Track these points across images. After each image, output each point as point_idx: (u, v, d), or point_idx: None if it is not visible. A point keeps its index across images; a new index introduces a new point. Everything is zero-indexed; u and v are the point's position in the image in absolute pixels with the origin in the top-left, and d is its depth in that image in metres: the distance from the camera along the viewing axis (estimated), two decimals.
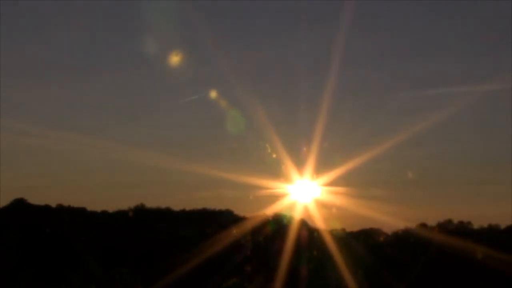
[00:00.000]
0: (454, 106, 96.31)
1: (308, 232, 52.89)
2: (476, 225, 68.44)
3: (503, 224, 67.46)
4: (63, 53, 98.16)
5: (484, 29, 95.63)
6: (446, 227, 68.47)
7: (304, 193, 59.71)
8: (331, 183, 59.58)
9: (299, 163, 62.39)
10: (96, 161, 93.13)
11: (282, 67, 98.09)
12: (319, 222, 54.10)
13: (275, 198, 73.50)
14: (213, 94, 62.55)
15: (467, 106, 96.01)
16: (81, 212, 67.21)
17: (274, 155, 63.83)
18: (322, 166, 61.73)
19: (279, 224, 54.05)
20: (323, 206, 60.48)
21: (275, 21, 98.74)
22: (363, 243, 57.82)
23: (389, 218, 76.23)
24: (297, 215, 55.33)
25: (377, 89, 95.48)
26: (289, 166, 59.93)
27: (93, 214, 67.75)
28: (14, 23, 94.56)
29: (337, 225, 55.13)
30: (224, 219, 64.66)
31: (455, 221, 69.01)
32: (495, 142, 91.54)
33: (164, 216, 67.32)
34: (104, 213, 68.89)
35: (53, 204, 68.47)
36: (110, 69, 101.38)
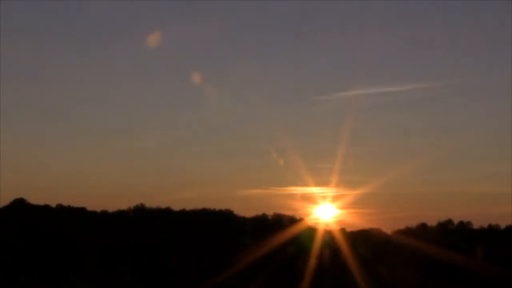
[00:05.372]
0: (454, 103, 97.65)
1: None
2: (476, 225, 68.37)
3: (503, 224, 67.45)
4: (62, 55, 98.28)
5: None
6: (446, 227, 68.36)
7: (325, 214, 60.29)
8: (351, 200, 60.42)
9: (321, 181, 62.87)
10: (97, 161, 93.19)
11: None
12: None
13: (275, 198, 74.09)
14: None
15: (467, 103, 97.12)
16: (81, 212, 67.10)
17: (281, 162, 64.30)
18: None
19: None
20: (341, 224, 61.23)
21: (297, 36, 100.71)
22: (362, 243, 57.89)
23: (389, 218, 76.61)
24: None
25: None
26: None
27: (93, 214, 67.62)
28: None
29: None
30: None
31: (455, 221, 68.93)
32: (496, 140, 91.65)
33: (164, 216, 67.22)
34: (104, 213, 68.78)
35: (53, 204, 68.51)
36: (109, 72, 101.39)
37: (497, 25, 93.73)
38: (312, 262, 50.62)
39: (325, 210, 60.84)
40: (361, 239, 59.83)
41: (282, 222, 66.31)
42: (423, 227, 67.82)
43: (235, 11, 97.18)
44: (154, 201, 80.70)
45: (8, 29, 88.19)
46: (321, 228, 58.95)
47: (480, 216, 78.13)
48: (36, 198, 68.81)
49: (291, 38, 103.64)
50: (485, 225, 67.42)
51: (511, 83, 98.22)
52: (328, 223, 60.64)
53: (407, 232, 64.98)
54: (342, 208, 62.01)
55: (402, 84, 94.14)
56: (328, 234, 57.37)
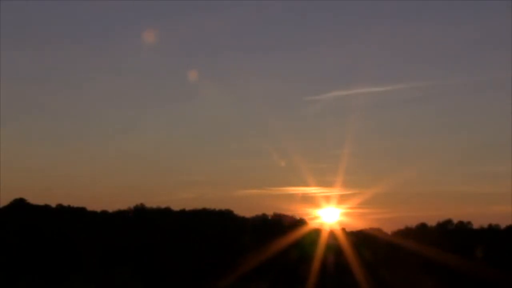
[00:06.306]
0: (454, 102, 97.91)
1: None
2: (476, 225, 68.39)
3: (503, 224, 67.47)
4: (62, 56, 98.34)
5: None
6: (445, 227, 68.36)
7: (325, 214, 60.35)
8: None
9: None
10: (97, 161, 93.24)
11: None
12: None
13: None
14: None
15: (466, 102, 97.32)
16: (81, 212, 67.07)
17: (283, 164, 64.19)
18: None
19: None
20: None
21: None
22: (363, 243, 57.87)
23: (389, 218, 76.54)
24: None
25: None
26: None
27: (93, 214, 67.59)
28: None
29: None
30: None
31: (455, 221, 68.94)
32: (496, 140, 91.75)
33: (164, 216, 67.19)
34: (104, 213, 68.75)
35: (53, 204, 68.49)
36: (109, 72, 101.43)
37: (497, 25, 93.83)
38: (315, 264, 50.62)
39: (325, 210, 60.91)
40: (361, 240, 59.81)
41: (282, 222, 66.33)
42: (423, 227, 67.83)
43: (233, 11, 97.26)
44: (154, 201, 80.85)
45: (8, 30, 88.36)
46: (321, 229, 58.94)
47: (480, 216, 78.32)
48: (36, 198, 68.94)
49: (290, 38, 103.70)
50: (485, 225, 67.48)
51: (511, 83, 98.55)
52: (328, 224, 60.68)
53: (407, 232, 65.03)
54: (341, 208, 62.09)
55: (402, 83, 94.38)
56: (329, 235, 57.35)
